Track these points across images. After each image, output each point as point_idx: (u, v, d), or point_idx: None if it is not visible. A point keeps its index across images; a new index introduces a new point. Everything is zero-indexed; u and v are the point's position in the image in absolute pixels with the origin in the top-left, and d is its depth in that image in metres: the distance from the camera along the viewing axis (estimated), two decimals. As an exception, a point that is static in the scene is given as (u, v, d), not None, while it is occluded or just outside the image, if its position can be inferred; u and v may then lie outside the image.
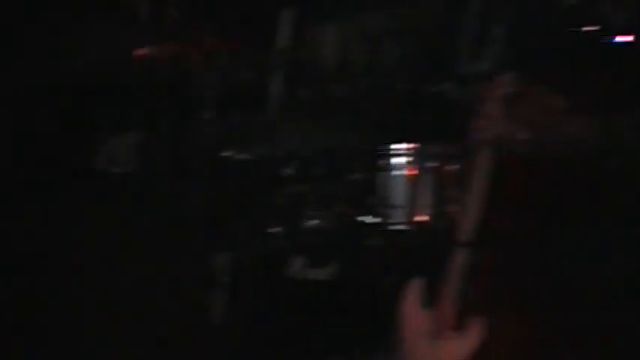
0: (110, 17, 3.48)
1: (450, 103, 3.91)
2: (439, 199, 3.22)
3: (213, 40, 3.53)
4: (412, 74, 3.87)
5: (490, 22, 4.92)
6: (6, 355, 2.94)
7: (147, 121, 3.58)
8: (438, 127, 3.55)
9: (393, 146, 3.26)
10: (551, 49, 4.55)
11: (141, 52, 3.52)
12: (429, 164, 3.23)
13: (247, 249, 3.35)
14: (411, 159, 3.26)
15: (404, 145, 3.26)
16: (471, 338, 1.18)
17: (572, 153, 4.00)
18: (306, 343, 3.24)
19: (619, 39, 4.54)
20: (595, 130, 4.31)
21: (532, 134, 3.90)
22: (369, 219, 3.24)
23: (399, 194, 3.25)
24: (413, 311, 1.18)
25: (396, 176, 3.26)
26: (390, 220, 3.24)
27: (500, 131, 2.25)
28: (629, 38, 4.51)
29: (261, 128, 3.53)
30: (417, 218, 3.21)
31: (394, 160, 3.26)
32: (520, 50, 4.72)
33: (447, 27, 4.79)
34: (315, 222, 3.25)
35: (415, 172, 3.24)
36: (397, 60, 3.81)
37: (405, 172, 3.25)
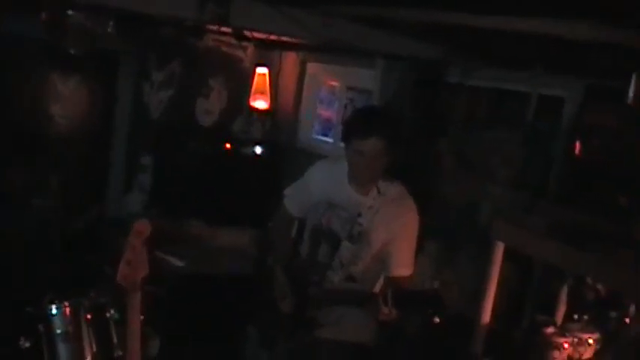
0: None
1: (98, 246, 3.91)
2: (104, 347, 3.17)
3: None
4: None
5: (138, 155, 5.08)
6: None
7: None
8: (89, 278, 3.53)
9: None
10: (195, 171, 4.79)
11: None
12: (88, 316, 3.16)
13: None
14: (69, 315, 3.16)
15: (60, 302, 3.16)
16: None
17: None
18: None
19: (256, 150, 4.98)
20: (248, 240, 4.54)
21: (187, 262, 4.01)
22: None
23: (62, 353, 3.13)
24: None
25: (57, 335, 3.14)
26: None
27: (144, 273, 2.32)
28: (259, 150, 4.97)
29: None
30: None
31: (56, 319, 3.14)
32: (167, 179, 4.92)
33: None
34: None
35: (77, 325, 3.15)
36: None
37: (67, 328, 3.14)
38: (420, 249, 3.45)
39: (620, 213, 2.53)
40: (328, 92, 4.86)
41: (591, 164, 2.80)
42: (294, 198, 3.30)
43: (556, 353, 2.58)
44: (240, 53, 5.22)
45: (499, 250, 2.77)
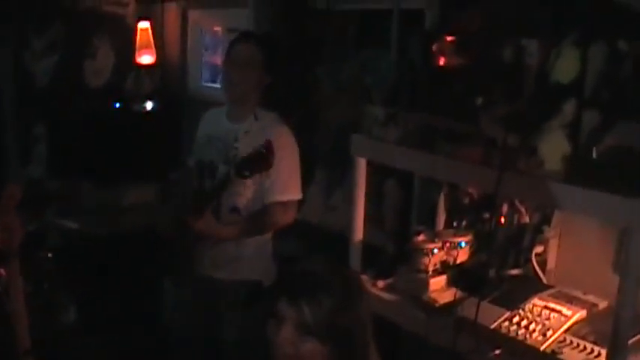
0: None
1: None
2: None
3: None
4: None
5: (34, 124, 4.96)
6: None
7: None
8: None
9: None
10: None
11: None
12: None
13: None
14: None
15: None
16: None
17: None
18: None
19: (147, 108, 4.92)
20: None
21: (84, 223, 3.95)
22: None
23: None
24: None
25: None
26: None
27: (20, 238, 2.29)
28: (150, 105, 4.91)
29: None
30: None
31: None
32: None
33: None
34: None
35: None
36: None
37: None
38: (311, 178, 3.47)
39: (474, 113, 2.55)
40: (212, 38, 4.81)
41: (449, 70, 2.81)
42: (192, 148, 3.37)
43: (426, 259, 2.62)
44: (121, 10, 5.12)
45: (361, 165, 2.79)
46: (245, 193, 3.08)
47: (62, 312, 4.00)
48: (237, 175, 2.77)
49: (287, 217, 3.11)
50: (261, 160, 2.73)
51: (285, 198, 3.06)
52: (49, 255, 3.68)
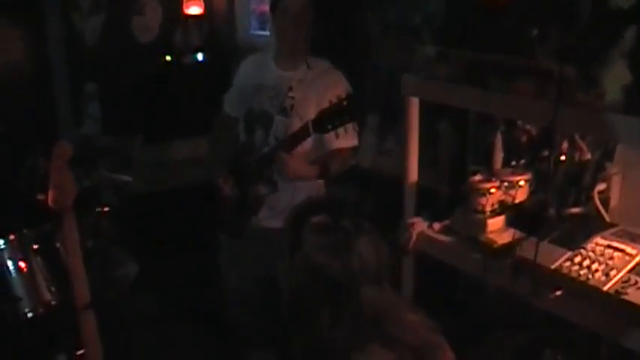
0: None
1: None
2: (57, 275, 3.16)
3: None
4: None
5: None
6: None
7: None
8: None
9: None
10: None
11: None
12: (35, 246, 3.14)
13: None
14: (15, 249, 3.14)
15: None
16: None
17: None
18: None
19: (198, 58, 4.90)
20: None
21: (139, 177, 3.95)
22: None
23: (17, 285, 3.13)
24: None
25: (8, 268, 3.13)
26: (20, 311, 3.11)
27: (73, 194, 2.29)
28: (201, 56, 4.88)
29: None
30: (42, 301, 3.11)
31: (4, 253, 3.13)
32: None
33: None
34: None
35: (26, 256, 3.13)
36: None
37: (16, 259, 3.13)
38: (363, 124, 3.41)
39: (528, 46, 2.44)
40: (258, -16, 4.76)
41: (501, 2, 2.70)
42: (230, 97, 3.33)
43: (483, 199, 2.53)
44: (166, -38, 5.08)
45: (413, 106, 2.70)
46: (304, 143, 3.05)
47: (121, 267, 4.04)
48: (316, 130, 2.71)
49: (347, 164, 3.13)
50: (344, 113, 2.65)
51: (345, 145, 3.04)
52: (106, 209, 3.70)
